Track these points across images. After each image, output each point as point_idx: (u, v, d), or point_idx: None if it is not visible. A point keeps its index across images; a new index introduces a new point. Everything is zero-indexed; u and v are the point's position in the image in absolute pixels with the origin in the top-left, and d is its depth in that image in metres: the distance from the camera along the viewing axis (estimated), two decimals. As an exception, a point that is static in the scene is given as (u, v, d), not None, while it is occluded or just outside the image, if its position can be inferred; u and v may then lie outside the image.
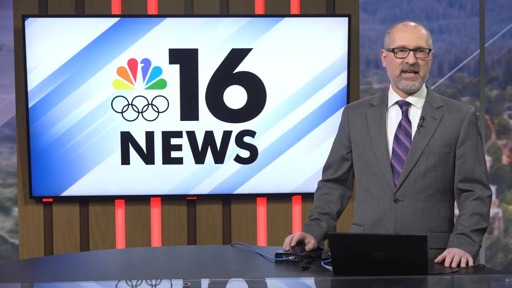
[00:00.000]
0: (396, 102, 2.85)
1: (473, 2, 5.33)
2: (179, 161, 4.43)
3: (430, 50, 2.79)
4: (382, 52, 2.87)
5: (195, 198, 4.48)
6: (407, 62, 2.77)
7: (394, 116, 2.84)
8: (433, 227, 2.79)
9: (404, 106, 2.83)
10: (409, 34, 2.78)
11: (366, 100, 2.94)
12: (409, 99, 2.83)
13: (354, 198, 2.98)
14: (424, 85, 2.85)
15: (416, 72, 2.78)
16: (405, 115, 2.83)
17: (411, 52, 2.77)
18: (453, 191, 2.83)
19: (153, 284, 2.44)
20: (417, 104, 2.83)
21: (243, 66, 4.42)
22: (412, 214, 2.78)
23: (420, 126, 2.80)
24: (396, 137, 2.81)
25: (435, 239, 2.76)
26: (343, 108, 3.01)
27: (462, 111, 2.81)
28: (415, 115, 2.83)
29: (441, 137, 2.78)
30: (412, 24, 2.81)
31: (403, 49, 2.78)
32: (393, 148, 2.80)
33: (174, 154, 4.42)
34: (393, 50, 2.79)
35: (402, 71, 2.79)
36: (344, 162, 2.96)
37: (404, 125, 2.82)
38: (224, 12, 4.48)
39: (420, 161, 2.77)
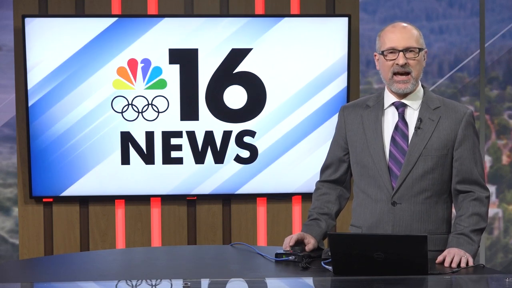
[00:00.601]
0: (392, 104, 2.84)
1: (473, 2, 5.33)
2: (179, 161, 4.43)
3: (420, 49, 2.78)
4: (375, 55, 2.86)
5: (195, 198, 4.48)
6: (397, 64, 2.76)
7: (390, 118, 2.83)
8: (431, 229, 2.78)
9: (400, 107, 2.82)
10: (397, 35, 2.76)
11: (362, 100, 2.93)
12: (405, 100, 2.82)
13: (352, 198, 2.98)
14: (420, 85, 2.84)
15: (408, 73, 2.76)
16: (402, 116, 2.81)
17: (401, 53, 2.75)
18: (450, 193, 2.83)
19: (153, 284, 2.44)
20: (413, 106, 2.82)
21: (243, 66, 4.42)
22: (410, 216, 2.78)
23: (417, 128, 2.78)
24: (393, 139, 2.80)
25: (433, 241, 2.75)
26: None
27: (459, 112, 2.80)
28: (411, 116, 2.81)
29: (438, 139, 2.77)
30: (402, 24, 2.79)
31: (392, 50, 2.76)
32: (390, 151, 2.79)
33: (174, 154, 4.42)
34: (383, 53, 2.79)
35: (394, 74, 2.77)
36: (342, 163, 2.95)
37: (400, 127, 2.80)
38: (224, 12, 4.48)
39: (418, 164, 2.76)
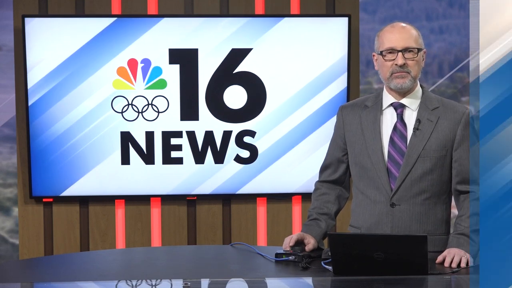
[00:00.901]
0: (391, 104, 2.83)
1: (473, 2, 5.32)
2: (179, 161, 4.43)
3: (419, 49, 2.77)
4: (374, 55, 2.85)
5: (195, 198, 4.48)
6: (396, 64, 2.75)
7: (389, 119, 2.82)
8: (430, 230, 2.78)
9: (399, 108, 2.81)
10: (396, 35, 2.75)
11: (361, 100, 2.93)
12: (404, 101, 2.82)
13: (351, 198, 2.98)
14: (419, 85, 2.84)
15: (407, 73, 2.77)
16: (400, 117, 2.81)
17: (400, 53, 2.74)
18: (449, 193, 2.82)
19: (153, 284, 2.44)
20: (412, 106, 2.81)
21: (243, 66, 4.42)
22: (409, 218, 2.77)
23: (416, 129, 2.78)
24: (391, 140, 2.79)
25: (432, 242, 2.74)
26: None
27: (458, 112, 2.79)
28: (410, 117, 2.80)
29: (437, 140, 2.77)
30: (401, 24, 2.78)
31: (391, 51, 2.76)
32: (388, 152, 2.79)
33: (174, 154, 4.42)
34: (381, 53, 2.78)
35: (393, 73, 2.77)
36: (341, 164, 2.95)
37: (399, 128, 2.80)
38: (224, 12, 4.48)
39: (416, 165, 2.75)
